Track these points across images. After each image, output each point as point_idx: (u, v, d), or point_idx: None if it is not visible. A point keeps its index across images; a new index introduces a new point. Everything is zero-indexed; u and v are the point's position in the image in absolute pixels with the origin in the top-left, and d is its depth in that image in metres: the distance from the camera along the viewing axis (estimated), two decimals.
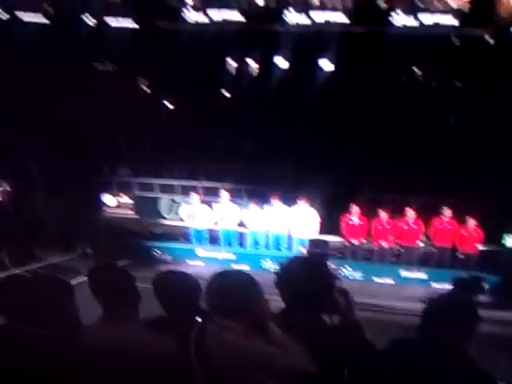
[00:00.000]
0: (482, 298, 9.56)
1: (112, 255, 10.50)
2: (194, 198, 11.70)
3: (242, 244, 11.68)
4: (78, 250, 11.69)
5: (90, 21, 15.73)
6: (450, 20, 13.66)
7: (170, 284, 2.78)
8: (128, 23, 15.85)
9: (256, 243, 11.53)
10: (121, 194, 14.43)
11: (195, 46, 15.52)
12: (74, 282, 8.46)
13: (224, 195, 11.58)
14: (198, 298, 2.73)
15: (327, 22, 14.39)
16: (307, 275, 2.43)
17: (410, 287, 10.27)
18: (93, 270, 2.67)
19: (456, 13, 13.57)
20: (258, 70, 17.57)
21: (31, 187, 13.10)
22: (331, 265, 9.08)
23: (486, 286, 9.81)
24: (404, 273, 10.64)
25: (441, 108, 15.13)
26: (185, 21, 15.33)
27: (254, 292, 2.18)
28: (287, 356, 2.06)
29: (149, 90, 18.62)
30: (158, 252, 11.34)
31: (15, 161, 12.92)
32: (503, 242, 10.71)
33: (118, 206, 14.45)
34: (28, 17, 16.00)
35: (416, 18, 13.87)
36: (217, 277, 2.21)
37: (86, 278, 7.31)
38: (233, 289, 2.14)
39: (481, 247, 10.62)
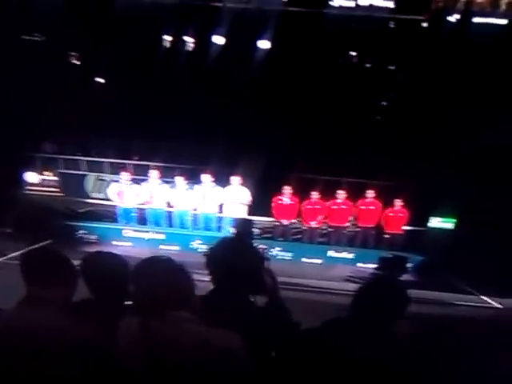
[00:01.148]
0: (406, 277, 9.96)
1: (34, 235, 10.05)
2: (124, 176, 11.28)
3: (171, 224, 11.42)
4: None
5: None
6: (386, 3, 13.91)
7: (98, 265, 2.65)
8: None
9: (185, 223, 11.31)
10: (44, 172, 13.83)
11: (128, 18, 14.95)
12: None
13: (154, 174, 11.27)
14: (127, 279, 2.57)
15: (264, 0, 14.27)
16: (235, 256, 2.43)
17: (336, 267, 10.45)
18: (26, 252, 2.51)
19: None
20: (192, 46, 17.21)
21: None
22: (261, 245, 9.11)
23: (410, 266, 10.18)
24: (332, 253, 10.79)
25: (373, 90, 15.45)
26: None
27: (189, 278, 2.16)
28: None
29: (78, 63, 17.84)
30: (83, 232, 10.90)
31: None
32: (428, 223, 11.07)
33: (41, 184, 13.86)
34: None
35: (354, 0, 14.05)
36: (149, 266, 2.17)
37: (4, 259, 7.02)
38: (172, 278, 2.10)
39: (406, 228, 10.90)
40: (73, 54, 17.98)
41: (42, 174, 13.89)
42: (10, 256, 9.29)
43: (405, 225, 10.85)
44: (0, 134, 12.89)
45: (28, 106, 13.85)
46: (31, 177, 13.78)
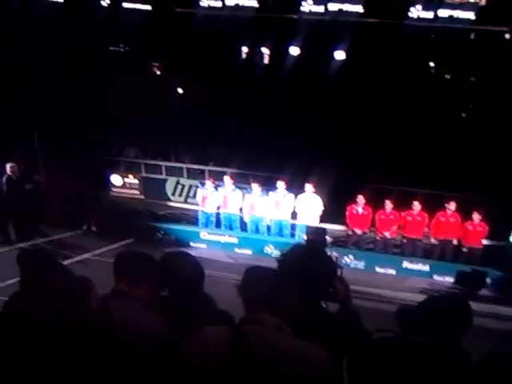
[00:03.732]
0: (484, 292, 9.62)
1: (117, 234, 10.65)
2: (208, 183, 11.77)
3: (246, 228, 11.66)
4: (83, 227, 11.78)
5: (105, 2, 15.57)
6: (467, 15, 13.43)
7: (175, 264, 2.75)
8: (142, 6, 15.74)
9: (260, 228, 11.52)
10: (128, 175, 14.54)
11: (208, 30, 15.43)
12: (78, 257, 8.80)
13: (227, 180, 11.67)
14: (202, 279, 2.80)
15: (342, 12, 14.17)
16: (308, 262, 2.45)
17: (411, 278, 10.23)
18: (116, 250, 2.68)
19: (475, 8, 13.33)
20: (269, 57, 17.47)
21: (40, 164, 13.11)
22: (334, 253, 9.11)
23: (489, 281, 9.83)
24: (406, 264, 10.57)
25: (452, 102, 15.01)
26: (199, 5, 15.23)
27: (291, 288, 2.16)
28: None
29: (161, 73, 18.64)
30: (163, 233, 11.36)
31: (25, 138, 12.85)
32: (509, 237, 10.51)
33: (125, 186, 14.56)
34: None
35: (433, 11, 13.65)
36: (257, 274, 2.19)
37: (90, 255, 7.53)
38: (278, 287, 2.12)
39: (485, 242, 10.51)
40: (155, 64, 18.76)
41: (126, 177, 14.60)
42: (94, 253, 9.90)
43: (484, 239, 10.45)
44: (89, 140, 13.78)
45: (114, 115, 14.62)
46: (116, 179, 14.54)
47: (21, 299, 2.64)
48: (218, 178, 12.38)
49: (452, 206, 10.53)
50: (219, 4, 14.96)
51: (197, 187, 12.76)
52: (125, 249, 2.58)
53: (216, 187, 11.71)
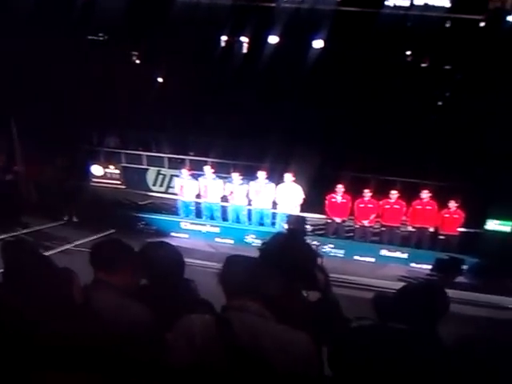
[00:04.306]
0: (461, 279, 9.82)
1: (98, 224, 10.61)
2: (184, 172, 11.75)
3: (226, 218, 11.71)
4: (64, 218, 11.72)
5: None
6: (443, 3, 13.62)
7: (155, 254, 2.78)
8: None
9: (240, 218, 11.58)
10: (109, 165, 14.46)
11: (187, 19, 15.34)
12: (60, 248, 8.72)
13: (208, 169, 11.67)
14: (182, 269, 2.84)
15: (319, 0, 14.22)
16: (289, 251, 2.51)
17: (389, 266, 10.39)
18: (94, 240, 2.65)
19: None
20: (248, 45, 17.45)
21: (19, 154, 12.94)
22: (313, 241, 9.20)
23: (465, 268, 10.02)
24: (385, 252, 10.73)
25: (429, 90, 15.17)
26: None
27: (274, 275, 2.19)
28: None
29: (140, 62, 18.50)
30: (144, 223, 11.35)
31: (4, 128, 12.66)
32: (485, 225, 10.75)
33: (106, 177, 14.48)
34: None
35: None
36: (236, 263, 2.19)
37: (71, 246, 7.47)
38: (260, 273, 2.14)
39: (462, 229, 10.67)
40: (135, 53, 18.61)
41: (106, 168, 14.52)
42: (76, 243, 9.88)
43: (460, 226, 10.63)
44: (69, 130, 13.64)
45: (94, 104, 14.49)
46: (96, 170, 14.45)
47: (3, 290, 2.67)
48: (198, 168, 12.36)
49: (428, 194, 10.69)
50: None
51: (177, 177, 12.76)
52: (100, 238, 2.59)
53: (193, 176, 11.71)
